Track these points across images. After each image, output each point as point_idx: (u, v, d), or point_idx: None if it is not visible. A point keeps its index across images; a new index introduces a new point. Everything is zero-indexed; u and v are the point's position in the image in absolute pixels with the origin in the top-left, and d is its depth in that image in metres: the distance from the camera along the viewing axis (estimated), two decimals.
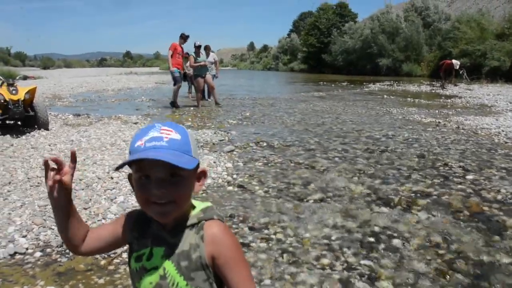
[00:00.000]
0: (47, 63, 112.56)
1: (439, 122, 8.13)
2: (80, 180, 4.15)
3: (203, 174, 1.05)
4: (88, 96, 14.67)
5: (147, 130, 0.96)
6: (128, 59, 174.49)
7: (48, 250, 2.79)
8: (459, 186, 4.06)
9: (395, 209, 3.50)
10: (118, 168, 0.97)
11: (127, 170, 0.98)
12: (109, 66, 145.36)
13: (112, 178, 4.25)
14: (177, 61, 10.91)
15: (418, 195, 3.84)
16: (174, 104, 10.95)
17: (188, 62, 11.39)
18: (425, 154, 5.41)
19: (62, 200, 1.00)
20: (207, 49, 12.19)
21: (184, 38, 11.14)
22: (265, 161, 5.08)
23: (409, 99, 13.49)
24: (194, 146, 0.99)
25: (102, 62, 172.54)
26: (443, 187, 4.05)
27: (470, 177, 4.38)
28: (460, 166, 4.78)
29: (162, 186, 0.93)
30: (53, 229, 3.01)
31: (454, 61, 20.64)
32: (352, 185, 4.11)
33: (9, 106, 6.58)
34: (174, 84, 11.11)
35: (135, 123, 7.96)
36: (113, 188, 3.94)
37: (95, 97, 14.37)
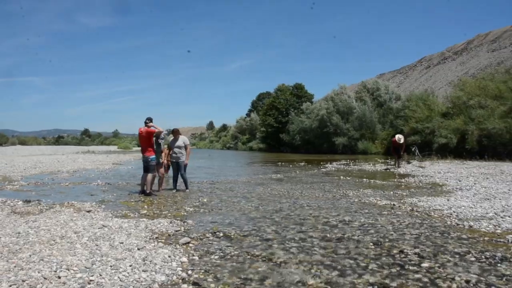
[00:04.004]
0: (0, 139, 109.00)
1: (393, 205, 8.27)
2: (23, 281, 3.87)
3: None
4: (41, 179, 14.21)
5: None
6: (86, 137, 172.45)
7: None
8: (416, 276, 4.05)
9: None
10: None
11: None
12: (66, 144, 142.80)
13: (59, 277, 3.98)
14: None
15: (376, 287, 3.80)
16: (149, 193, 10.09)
17: None
18: (381, 240, 5.43)
19: None
20: None
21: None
22: (221, 254, 4.94)
23: (364, 179, 13.82)
24: None
25: (58, 139, 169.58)
26: (400, 277, 4.03)
27: (425, 264, 4.39)
28: (415, 253, 4.82)
29: None
30: None
31: (397, 136, 20.18)
32: (309, 279, 4.02)
33: None
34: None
35: (88, 211, 7.62)
36: None
37: (48, 180, 13.92)
